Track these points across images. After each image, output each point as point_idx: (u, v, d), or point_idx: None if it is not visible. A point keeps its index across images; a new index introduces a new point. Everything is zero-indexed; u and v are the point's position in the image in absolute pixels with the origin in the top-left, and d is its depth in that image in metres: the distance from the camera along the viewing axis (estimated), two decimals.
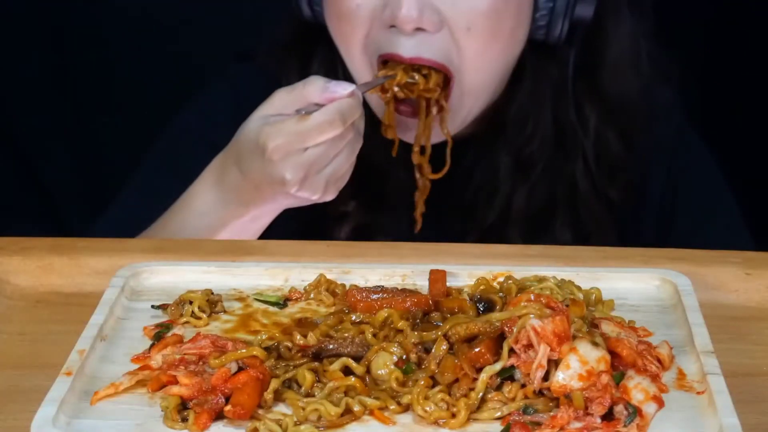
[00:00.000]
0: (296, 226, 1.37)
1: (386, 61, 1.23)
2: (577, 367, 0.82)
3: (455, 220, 1.37)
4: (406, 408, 0.84)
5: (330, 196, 1.19)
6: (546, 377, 0.83)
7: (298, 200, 1.20)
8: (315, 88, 1.14)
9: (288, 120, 1.13)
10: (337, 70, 1.31)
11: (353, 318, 0.95)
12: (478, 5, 1.20)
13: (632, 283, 1.02)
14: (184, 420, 0.82)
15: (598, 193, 1.35)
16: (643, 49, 1.34)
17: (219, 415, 0.83)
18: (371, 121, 1.26)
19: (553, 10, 1.24)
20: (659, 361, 0.88)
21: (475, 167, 1.37)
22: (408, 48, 1.20)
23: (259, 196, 1.19)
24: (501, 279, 1.01)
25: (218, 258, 1.09)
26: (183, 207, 1.25)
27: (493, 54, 1.24)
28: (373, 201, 1.36)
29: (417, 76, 1.22)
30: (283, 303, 1.00)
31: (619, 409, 0.81)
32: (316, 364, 0.88)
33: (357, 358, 0.88)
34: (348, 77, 1.29)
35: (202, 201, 1.24)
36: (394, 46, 1.21)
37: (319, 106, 1.13)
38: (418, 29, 1.19)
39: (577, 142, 1.34)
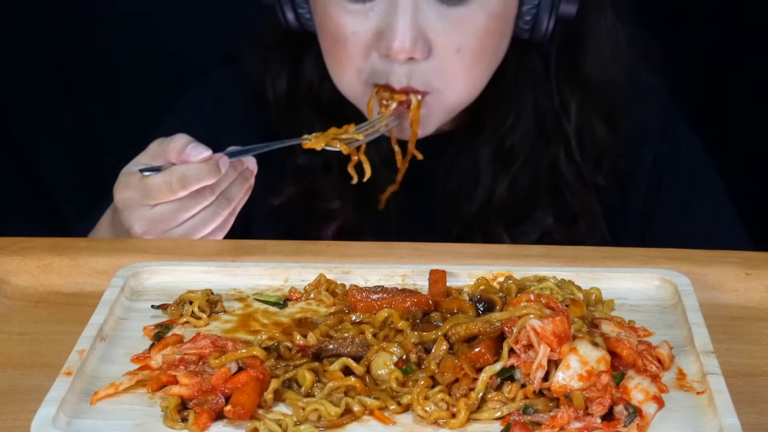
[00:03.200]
0: (282, 225, 1.37)
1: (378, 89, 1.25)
2: (577, 367, 0.82)
3: (439, 212, 1.38)
4: (406, 408, 0.84)
5: None
6: (546, 377, 0.83)
7: None
8: (175, 146, 1.14)
9: (136, 174, 1.14)
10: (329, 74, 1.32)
11: (353, 318, 0.95)
12: (469, 28, 1.21)
13: (632, 283, 1.02)
14: (184, 420, 0.82)
15: (584, 178, 1.36)
16: (622, 33, 1.35)
17: (219, 415, 0.83)
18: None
19: (537, 12, 1.25)
20: (659, 361, 0.88)
21: (458, 160, 1.38)
22: (399, 77, 1.22)
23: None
24: (501, 279, 1.01)
25: (218, 258, 1.09)
26: (91, 236, 1.27)
27: (478, 71, 1.26)
28: (359, 200, 1.37)
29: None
30: (283, 303, 1.00)
31: (619, 409, 0.81)
32: (316, 364, 0.88)
33: (357, 358, 0.88)
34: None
35: (102, 235, 1.25)
36: (386, 75, 1.23)
37: None
38: (410, 58, 1.21)
39: (560, 130, 1.35)
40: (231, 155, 1.16)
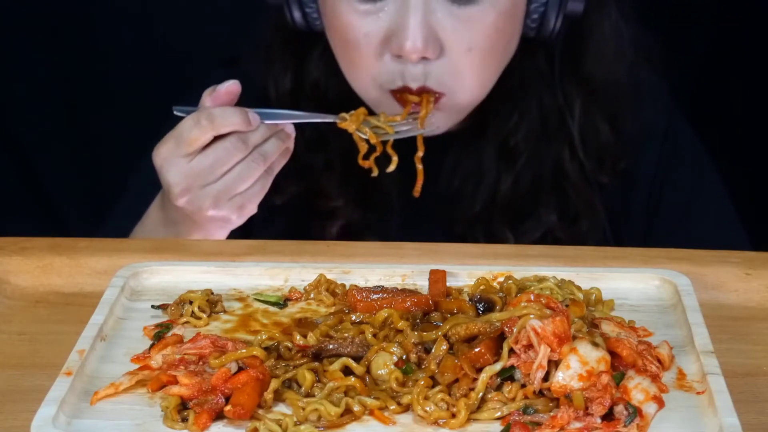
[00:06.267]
0: (284, 224, 1.37)
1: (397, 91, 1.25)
2: (577, 367, 0.82)
3: (443, 210, 1.38)
4: (406, 408, 0.84)
5: (235, 218, 1.19)
6: (546, 377, 0.83)
7: (218, 227, 1.21)
8: (208, 90, 1.16)
9: (171, 129, 1.15)
10: (337, 73, 1.31)
11: (353, 318, 0.95)
12: (480, 27, 1.21)
13: (632, 283, 1.02)
14: (184, 420, 0.82)
15: (587, 177, 1.36)
16: (625, 33, 1.35)
17: (219, 415, 0.83)
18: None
19: (545, 10, 1.25)
20: (659, 361, 0.88)
21: (462, 158, 1.38)
22: (415, 77, 1.22)
23: (182, 217, 1.19)
24: (501, 279, 1.01)
25: (218, 258, 1.09)
26: (139, 226, 1.28)
27: (489, 70, 1.26)
28: (362, 198, 1.37)
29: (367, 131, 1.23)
30: (283, 303, 1.00)
31: (620, 409, 0.81)
32: (316, 364, 0.88)
33: (357, 358, 0.88)
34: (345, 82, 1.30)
35: (151, 220, 1.26)
36: (402, 76, 1.22)
37: None
38: (423, 58, 1.21)
39: (564, 128, 1.35)
40: (263, 116, 1.17)
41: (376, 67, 1.23)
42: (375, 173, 1.26)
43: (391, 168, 1.25)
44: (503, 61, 1.28)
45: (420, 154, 1.26)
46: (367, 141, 1.24)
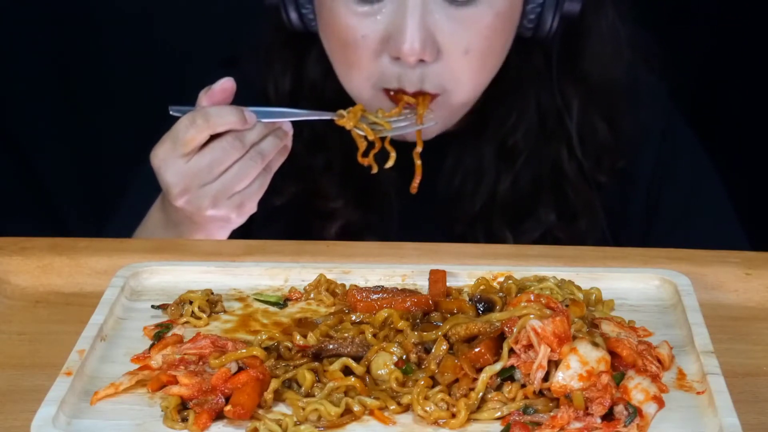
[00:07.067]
0: (284, 224, 1.37)
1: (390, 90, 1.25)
2: (577, 367, 0.82)
3: (442, 210, 1.38)
4: (406, 408, 0.84)
5: (235, 217, 1.19)
6: (546, 377, 0.83)
7: (219, 227, 1.21)
8: (204, 90, 1.17)
9: (167, 130, 1.16)
10: (334, 73, 1.32)
11: (353, 318, 0.95)
12: (477, 28, 1.21)
13: (632, 283, 1.02)
14: (184, 420, 0.82)
15: (586, 176, 1.36)
16: (623, 33, 1.35)
17: (219, 415, 0.83)
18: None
19: (542, 11, 1.25)
20: (659, 361, 0.88)
21: (461, 158, 1.38)
22: (412, 80, 1.22)
23: (183, 218, 1.19)
24: (501, 279, 1.01)
25: (218, 258, 1.09)
26: (140, 228, 1.28)
27: (485, 71, 1.26)
28: (362, 198, 1.37)
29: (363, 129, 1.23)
30: (283, 303, 1.00)
31: (620, 409, 0.81)
32: (316, 364, 0.88)
33: (357, 358, 0.88)
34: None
35: (152, 222, 1.26)
36: (398, 79, 1.22)
37: None
38: (420, 60, 1.20)
39: (562, 127, 1.35)
40: (259, 114, 1.17)
41: (372, 69, 1.23)
42: (375, 170, 1.26)
43: (390, 163, 1.25)
44: (499, 61, 1.28)
45: (418, 149, 1.26)
46: (366, 137, 1.24)
